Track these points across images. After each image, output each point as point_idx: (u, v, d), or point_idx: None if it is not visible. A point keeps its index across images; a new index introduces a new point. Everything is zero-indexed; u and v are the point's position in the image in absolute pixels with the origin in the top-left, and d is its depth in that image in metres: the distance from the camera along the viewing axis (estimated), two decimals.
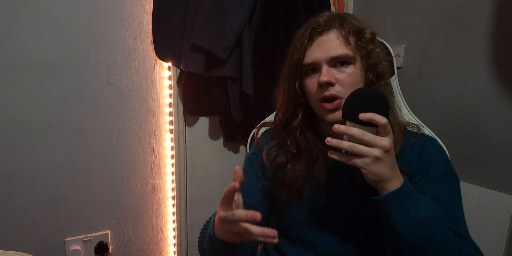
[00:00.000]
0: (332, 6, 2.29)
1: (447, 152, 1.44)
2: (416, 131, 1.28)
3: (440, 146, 1.27)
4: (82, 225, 2.07)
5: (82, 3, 1.88)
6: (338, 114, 1.13)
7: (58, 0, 1.83)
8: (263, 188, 1.34)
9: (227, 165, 2.32)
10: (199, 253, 1.27)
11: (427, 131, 1.52)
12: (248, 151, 1.75)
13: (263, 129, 1.47)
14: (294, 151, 1.27)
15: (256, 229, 0.92)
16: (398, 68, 2.02)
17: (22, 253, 1.11)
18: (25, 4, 1.77)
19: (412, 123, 1.32)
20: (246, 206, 1.25)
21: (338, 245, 1.25)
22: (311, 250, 1.28)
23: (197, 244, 1.29)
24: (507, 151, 1.70)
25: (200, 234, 1.27)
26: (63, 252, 2.04)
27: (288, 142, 1.29)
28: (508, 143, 1.69)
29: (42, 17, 1.82)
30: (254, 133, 1.47)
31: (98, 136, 2.02)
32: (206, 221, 1.27)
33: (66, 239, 2.04)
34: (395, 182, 1.02)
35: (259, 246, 1.67)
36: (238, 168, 0.94)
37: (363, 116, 0.99)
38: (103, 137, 2.03)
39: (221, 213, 0.94)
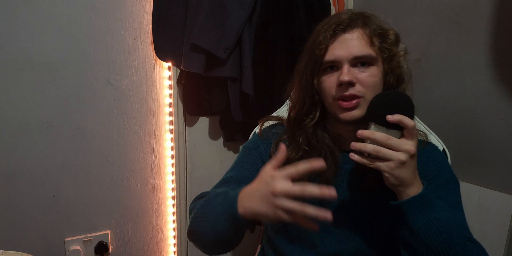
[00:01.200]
0: (332, 6, 2.29)
1: (447, 152, 1.46)
2: (422, 138, 1.28)
3: (443, 154, 1.30)
4: (82, 225, 2.07)
5: (82, 3, 1.88)
6: (354, 113, 1.14)
7: (58, 0, 1.84)
8: None
9: (227, 165, 2.26)
10: (189, 234, 1.24)
11: (429, 133, 1.52)
12: None
13: (267, 124, 1.44)
14: (306, 148, 1.26)
15: (312, 208, 0.91)
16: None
17: (22, 253, 1.11)
18: (25, 4, 1.77)
19: (420, 131, 1.32)
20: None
21: (338, 245, 1.25)
22: (311, 249, 1.28)
23: (190, 217, 1.25)
24: (507, 151, 1.70)
25: (194, 208, 1.23)
26: (63, 252, 2.04)
27: (300, 139, 1.27)
28: (508, 143, 1.69)
29: (42, 17, 1.82)
30: (257, 128, 1.44)
31: (98, 136, 2.02)
32: (203, 198, 1.24)
33: (66, 239, 2.04)
34: (416, 186, 1.03)
35: (259, 245, 1.67)
36: (284, 147, 0.97)
37: (391, 117, 0.99)
38: (103, 137, 2.03)
39: (281, 185, 0.92)
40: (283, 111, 1.64)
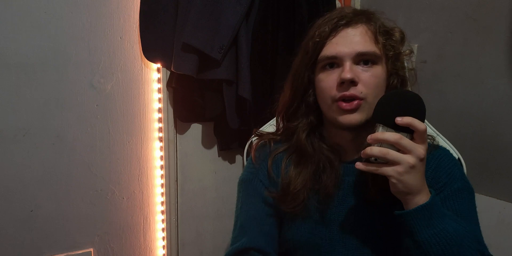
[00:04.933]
0: (337, 2, 2.28)
1: (463, 162, 1.44)
2: (430, 142, 1.27)
3: (455, 158, 1.29)
4: (62, 242, 2.05)
5: None
6: (354, 117, 1.14)
7: None
8: (271, 210, 1.31)
9: (222, 177, 2.32)
10: None
11: (442, 140, 1.52)
12: (245, 161, 1.72)
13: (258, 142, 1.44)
14: (300, 159, 1.27)
15: None
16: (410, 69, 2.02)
17: None
18: None
19: (428, 135, 1.31)
20: (262, 233, 1.25)
21: None
22: None
23: None
24: None
25: None
26: None
27: (292, 142, 1.28)
28: None
29: (18, 13, 1.81)
30: (250, 144, 1.44)
31: (80, 145, 2.01)
32: None
33: None
34: (424, 195, 1.02)
35: None
36: None
37: (401, 120, 0.99)
38: (85, 145, 2.02)
39: None
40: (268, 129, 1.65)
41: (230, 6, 1.93)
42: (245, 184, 1.37)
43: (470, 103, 1.86)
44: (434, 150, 1.24)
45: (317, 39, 1.18)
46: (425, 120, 1.58)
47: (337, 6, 2.28)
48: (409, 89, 1.24)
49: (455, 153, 1.48)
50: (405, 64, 1.24)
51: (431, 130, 1.59)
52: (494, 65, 1.77)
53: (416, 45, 2.05)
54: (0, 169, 1.88)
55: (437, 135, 1.55)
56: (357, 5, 2.38)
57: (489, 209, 1.76)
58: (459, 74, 1.90)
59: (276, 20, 2.07)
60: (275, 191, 1.29)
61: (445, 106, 1.95)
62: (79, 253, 2.09)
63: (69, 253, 2.07)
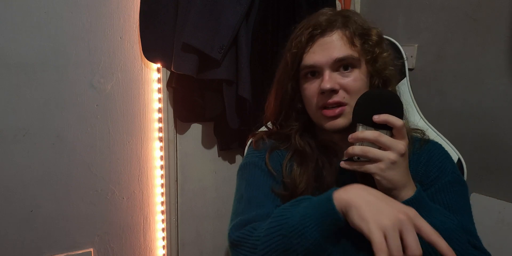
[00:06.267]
0: (337, 2, 2.28)
1: (463, 162, 1.44)
2: (420, 136, 1.30)
3: (446, 151, 1.29)
4: (62, 242, 2.05)
5: None
6: (339, 122, 1.17)
7: None
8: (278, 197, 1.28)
9: (222, 177, 2.32)
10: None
11: (442, 140, 1.52)
12: None
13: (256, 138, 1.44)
14: (300, 158, 1.27)
15: None
16: (410, 69, 2.02)
17: None
18: None
19: (417, 129, 1.33)
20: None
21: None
22: None
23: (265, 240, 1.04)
24: None
25: (250, 234, 1.08)
26: None
27: (291, 144, 1.30)
28: None
29: (18, 13, 1.80)
30: (250, 144, 1.44)
31: (80, 145, 2.00)
32: (278, 215, 1.06)
33: None
34: (409, 189, 1.04)
35: None
36: None
37: (377, 117, 1.02)
38: (85, 145, 2.02)
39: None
40: None
41: (230, 6, 1.92)
42: (252, 166, 1.33)
43: (470, 103, 1.86)
44: (425, 144, 1.27)
45: (295, 50, 1.20)
46: (426, 120, 1.59)
47: (337, 6, 2.28)
48: (391, 88, 1.25)
49: (456, 154, 1.48)
50: (386, 65, 1.24)
51: (424, 124, 1.59)
52: (494, 65, 1.76)
53: (416, 45, 2.04)
54: (0, 169, 1.87)
55: (438, 135, 1.55)
56: (357, 5, 2.37)
57: (489, 209, 1.75)
58: (459, 74, 1.89)
59: (276, 20, 2.05)
60: (279, 190, 1.29)
61: (445, 106, 1.94)
62: (79, 253, 2.08)
63: (69, 253, 2.06)
